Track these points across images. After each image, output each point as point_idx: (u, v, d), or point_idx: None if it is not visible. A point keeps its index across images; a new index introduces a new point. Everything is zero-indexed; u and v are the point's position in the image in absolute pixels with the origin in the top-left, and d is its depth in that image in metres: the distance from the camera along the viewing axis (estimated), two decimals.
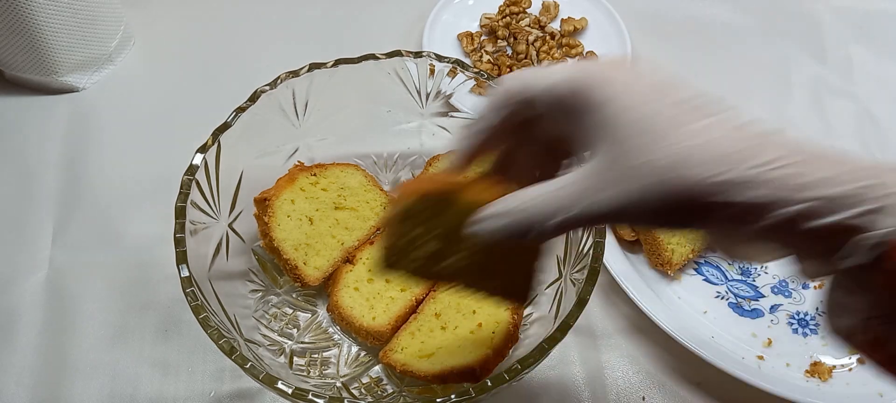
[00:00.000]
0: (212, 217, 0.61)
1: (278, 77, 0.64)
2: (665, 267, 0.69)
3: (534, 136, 0.43)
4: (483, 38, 0.91)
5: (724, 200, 0.33)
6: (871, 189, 0.32)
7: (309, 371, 0.62)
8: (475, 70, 0.67)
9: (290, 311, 0.66)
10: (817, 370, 0.65)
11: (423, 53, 0.67)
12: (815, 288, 0.71)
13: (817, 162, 0.33)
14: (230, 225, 0.64)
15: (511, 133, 0.43)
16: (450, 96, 0.70)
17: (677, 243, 0.69)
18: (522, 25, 0.89)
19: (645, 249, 0.70)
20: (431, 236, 0.43)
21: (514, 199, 0.39)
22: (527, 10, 0.92)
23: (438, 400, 0.50)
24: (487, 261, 0.43)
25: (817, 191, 0.32)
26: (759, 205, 0.33)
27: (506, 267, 0.43)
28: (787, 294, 0.71)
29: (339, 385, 0.61)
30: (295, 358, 0.62)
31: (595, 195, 0.36)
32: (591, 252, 0.58)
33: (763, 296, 0.71)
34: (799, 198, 0.32)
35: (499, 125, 0.42)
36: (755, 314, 0.69)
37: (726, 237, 0.38)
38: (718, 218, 0.34)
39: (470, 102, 0.78)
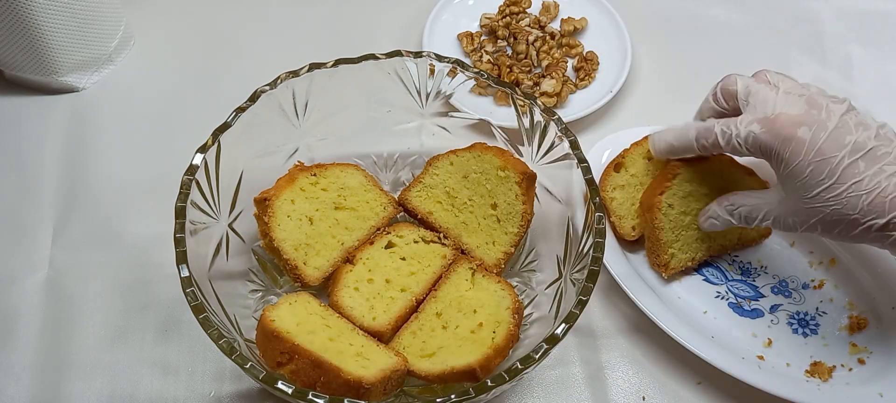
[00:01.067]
0: (212, 217, 0.61)
1: (278, 77, 0.64)
2: (660, 269, 0.69)
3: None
4: (483, 38, 0.91)
5: (879, 234, 0.56)
6: None
7: None
8: (475, 70, 0.67)
9: None
10: (817, 370, 0.65)
11: (423, 53, 0.67)
12: (813, 288, 0.71)
13: None
14: (230, 225, 0.64)
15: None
16: (450, 96, 0.70)
17: (679, 248, 0.69)
18: (522, 25, 0.89)
19: (646, 246, 0.70)
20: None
21: (740, 198, 0.64)
22: (527, 10, 0.92)
23: (438, 400, 0.50)
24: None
25: None
26: None
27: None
28: (787, 294, 0.71)
29: None
30: None
31: (787, 216, 0.60)
32: (591, 252, 0.58)
33: (763, 296, 0.71)
34: None
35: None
36: (755, 314, 0.69)
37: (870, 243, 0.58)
38: (872, 239, 0.57)
39: (470, 102, 0.78)
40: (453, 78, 0.69)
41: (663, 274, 0.69)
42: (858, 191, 0.55)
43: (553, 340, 0.53)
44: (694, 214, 0.69)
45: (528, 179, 0.66)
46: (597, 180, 0.69)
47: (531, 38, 0.88)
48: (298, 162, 0.69)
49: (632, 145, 0.74)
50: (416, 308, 0.64)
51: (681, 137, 0.66)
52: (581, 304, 0.55)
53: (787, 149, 0.57)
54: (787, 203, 0.60)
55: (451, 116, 0.72)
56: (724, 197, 0.66)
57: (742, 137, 0.60)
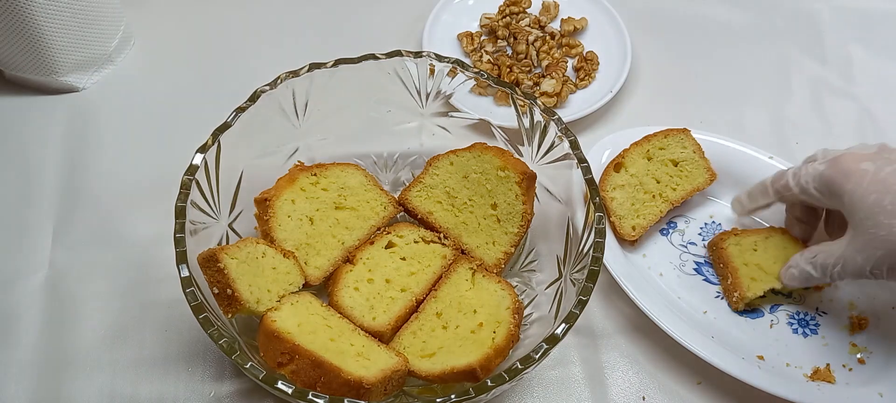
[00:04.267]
0: (212, 217, 0.61)
1: (278, 77, 0.64)
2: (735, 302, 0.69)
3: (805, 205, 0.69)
4: (483, 38, 0.91)
5: None
6: None
7: None
8: (475, 70, 0.67)
9: None
10: (817, 370, 0.65)
11: (423, 53, 0.67)
12: (814, 288, 0.71)
13: None
14: (230, 225, 0.64)
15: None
16: (450, 96, 0.70)
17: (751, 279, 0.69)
18: (522, 25, 0.90)
19: (722, 284, 0.71)
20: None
21: (820, 247, 0.64)
22: (527, 10, 0.92)
23: (438, 400, 0.50)
24: None
25: None
26: None
27: None
28: (787, 294, 0.71)
29: None
30: None
31: (856, 254, 0.60)
32: (591, 252, 0.58)
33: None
34: None
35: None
36: (755, 314, 0.69)
37: None
38: None
39: (470, 102, 0.78)
40: (453, 78, 0.69)
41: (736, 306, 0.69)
42: None
43: (553, 340, 0.53)
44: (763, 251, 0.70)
45: (528, 179, 0.66)
46: (597, 180, 0.70)
47: (531, 38, 0.88)
48: (299, 162, 0.69)
49: (632, 145, 0.74)
50: (416, 308, 0.64)
51: (755, 186, 0.70)
52: (581, 304, 0.55)
53: (850, 181, 0.59)
54: (855, 239, 0.60)
55: (451, 116, 0.72)
56: (808, 248, 0.66)
57: (810, 176, 0.63)
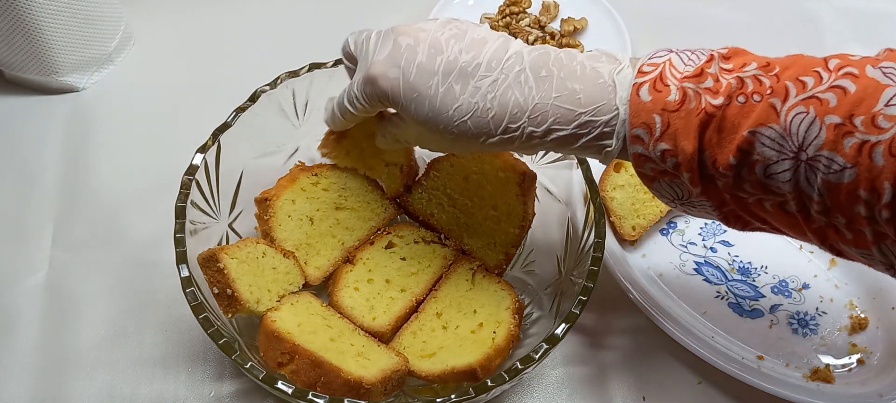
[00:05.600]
0: (212, 217, 0.61)
1: (278, 77, 0.64)
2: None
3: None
4: None
5: (502, 145, 0.51)
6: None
7: None
8: None
9: None
10: (817, 370, 0.65)
11: None
12: (814, 288, 0.71)
13: None
14: (230, 225, 0.64)
15: None
16: None
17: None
18: (522, 25, 0.90)
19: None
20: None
21: (391, 127, 0.58)
22: (527, 10, 0.92)
23: (438, 400, 0.50)
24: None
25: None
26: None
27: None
28: (787, 294, 0.71)
29: None
30: None
31: (425, 141, 0.55)
32: (590, 252, 0.58)
33: (763, 296, 0.71)
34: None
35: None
36: (755, 314, 0.69)
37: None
38: (503, 149, 0.52)
39: None
40: None
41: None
42: (462, 118, 0.50)
43: (553, 340, 0.53)
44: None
45: (529, 179, 0.65)
46: (597, 180, 0.70)
47: (531, 38, 0.88)
48: (299, 161, 0.69)
49: None
50: (416, 308, 0.64)
51: (331, 117, 0.60)
52: (581, 304, 0.55)
53: (389, 96, 0.52)
54: (422, 132, 0.53)
55: None
56: (381, 124, 0.60)
57: (359, 99, 0.54)
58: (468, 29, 0.53)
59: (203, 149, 0.60)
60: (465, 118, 0.50)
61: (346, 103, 0.56)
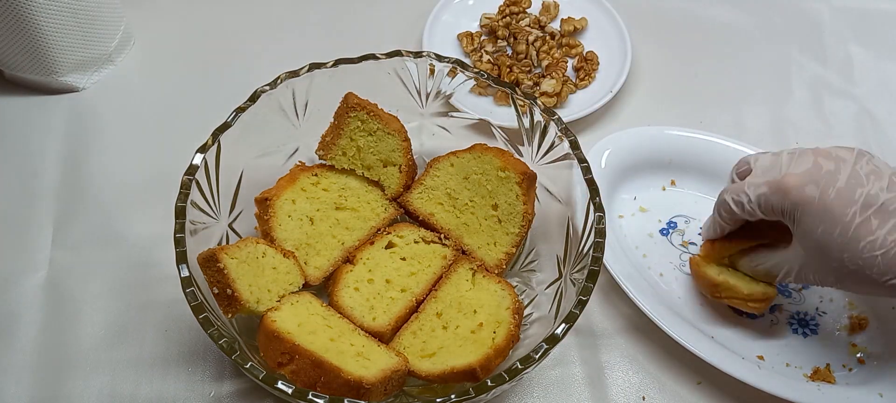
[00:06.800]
0: (212, 217, 0.61)
1: (278, 77, 0.64)
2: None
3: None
4: (483, 38, 0.91)
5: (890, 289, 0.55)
6: None
7: None
8: (475, 70, 0.67)
9: None
10: (817, 370, 0.65)
11: (423, 53, 0.67)
12: (814, 288, 0.71)
13: None
14: (230, 225, 0.64)
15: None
16: (450, 96, 0.70)
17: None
18: (522, 25, 0.90)
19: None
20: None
21: (763, 255, 0.64)
22: (527, 10, 0.92)
23: (438, 400, 0.50)
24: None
25: None
26: None
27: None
28: (787, 294, 0.71)
29: None
30: None
31: (809, 273, 0.59)
32: (591, 252, 0.58)
33: None
34: None
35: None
36: (755, 314, 0.69)
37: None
38: (880, 291, 0.56)
39: (470, 102, 0.78)
40: (453, 78, 0.69)
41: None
42: (873, 251, 0.54)
43: (553, 340, 0.53)
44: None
45: (529, 179, 0.66)
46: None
47: (531, 38, 0.88)
48: (300, 161, 0.69)
49: None
50: (416, 308, 0.64)
51: (707, 224, 0.67)
52: (581, 304, 0.55)
53: (798, 209, 0.56)
54: (809, 261, 0.59)
55: (451, 116, 0.72)
56: (752, 253, 0.65)
57: (753, 201, 0.59)
58: (883, 168, 0.55)
59: (203, 149, 0.60)
60: (877, 252, 0.53)
61: (732, 203, 0.60)
